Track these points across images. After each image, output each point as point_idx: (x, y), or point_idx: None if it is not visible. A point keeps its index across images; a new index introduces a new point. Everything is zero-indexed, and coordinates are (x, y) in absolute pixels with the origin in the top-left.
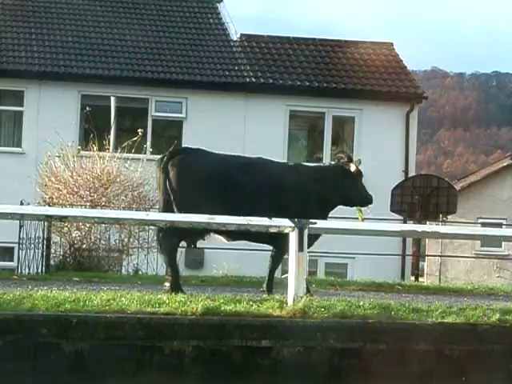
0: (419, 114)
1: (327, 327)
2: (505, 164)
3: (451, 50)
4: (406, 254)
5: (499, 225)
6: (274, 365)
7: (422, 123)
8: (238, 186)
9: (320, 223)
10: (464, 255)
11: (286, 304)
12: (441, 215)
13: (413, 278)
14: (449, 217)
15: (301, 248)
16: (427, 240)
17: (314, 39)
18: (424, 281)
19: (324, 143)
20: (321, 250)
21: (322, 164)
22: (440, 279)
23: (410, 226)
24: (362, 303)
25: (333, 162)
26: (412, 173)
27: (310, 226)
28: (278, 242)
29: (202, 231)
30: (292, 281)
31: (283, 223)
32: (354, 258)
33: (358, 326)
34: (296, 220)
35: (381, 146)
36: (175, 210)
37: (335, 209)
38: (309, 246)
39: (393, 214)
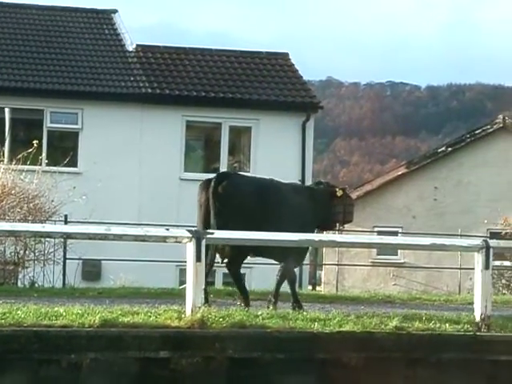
0: (315, 124)
1: (226, 337)
2: (400, 173)
3: (346, 59)
4: (303, 264)
5: (395, 233)
6: (173, 376)
7: (318, 133)
8: (278, 205)
9: (218, 233)
10: (361, 263)
11: (185, 314)
12: (337, 224)
13: (310, 287)
14: (345, 226)
15: (198, 258)
16: (324, 249)
17: (210, 49)
18: (321, 289)
19: (221, 153)
20: (219, 259)
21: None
22: (337, 288)
23: (307, 236)
24: (260, 313)
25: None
26: (308, 182)
27: (208, 236)
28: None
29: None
30: (190, 291)
31: (180, 234)
32: (252, 267)
33: (257, 336)
34: (193, 230)
35: (277, 156)
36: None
37: None
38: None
39: None
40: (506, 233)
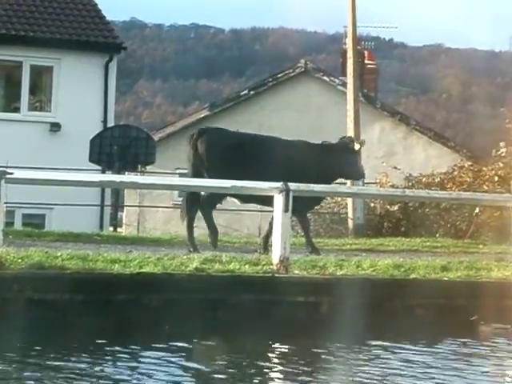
0: (118, 65)
1: (24, 278)
2: (203, 115)
3: (150, 0)
4: (104, 205)
5: None
6: None
7: (121, 74)
8: (254, 156)
9: (18, 173)
10: (162, 205)
11: None
12: (139, 165)
13: (111, 229)
14: (148, 167)
15: None
16: (126, 190)
17: None
18: (122, 231)
19: (21, 93)
20: (18, 200)
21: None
22: (138, 229)
23: (109, 177)
24: (59, 254)
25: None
26: (111, 123)
27: (7, 176)
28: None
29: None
30: None
31: None
32: (52, 208)
33: (56, 277)
34: None
35: (79, 96)
36: (206, 176)
37: None
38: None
39: (92, 164)
40: None
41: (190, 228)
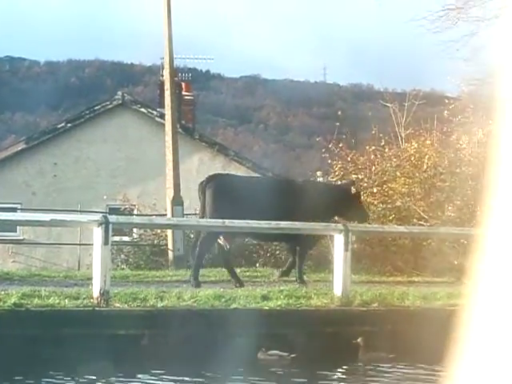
0: None
1: None
2: (19, 148)
3: None
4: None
5: (14, 209)
6: None
7: None
8: (258, 200)
9: None
10: None
11: None
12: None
13: None
14: None
15: None
16: None
17: None
18: None
19: None
20: None
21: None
22: None
23: None
24: None
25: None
26: None
27: None
28: (300, 241)
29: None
30: None
31: None
32: None
33: None
34: None
35: None
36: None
37: None
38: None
39: None
40: (126, 208)
41: (199, 264)
